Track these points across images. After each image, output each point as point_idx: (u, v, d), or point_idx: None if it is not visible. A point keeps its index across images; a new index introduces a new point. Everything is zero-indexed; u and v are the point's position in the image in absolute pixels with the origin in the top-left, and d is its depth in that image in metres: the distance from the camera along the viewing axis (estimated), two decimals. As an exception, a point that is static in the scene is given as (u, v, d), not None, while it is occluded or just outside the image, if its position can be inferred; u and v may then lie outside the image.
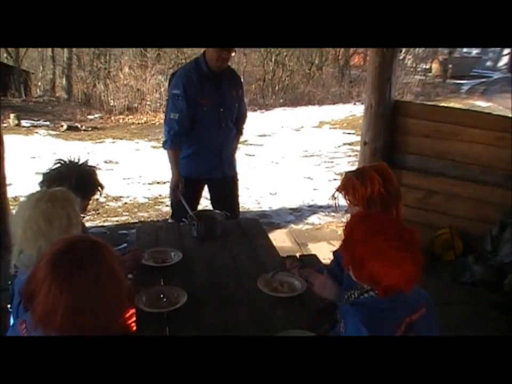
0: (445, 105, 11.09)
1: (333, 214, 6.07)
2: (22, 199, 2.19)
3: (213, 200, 4.25)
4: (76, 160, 2.75)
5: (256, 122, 11.50)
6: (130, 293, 2.23)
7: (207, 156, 3.97)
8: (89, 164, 2.79)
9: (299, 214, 6.33)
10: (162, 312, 2.43)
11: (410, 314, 1.93)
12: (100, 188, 2.74)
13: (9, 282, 2.35)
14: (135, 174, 7.86)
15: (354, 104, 15.76)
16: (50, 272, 1.53)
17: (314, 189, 7.31)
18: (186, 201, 3.58)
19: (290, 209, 6.48)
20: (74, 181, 2.55)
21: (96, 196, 2.79)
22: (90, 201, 2.88)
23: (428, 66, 22.56)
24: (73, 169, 2.67)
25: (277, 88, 17.85)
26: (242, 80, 4.45)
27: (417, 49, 20.79)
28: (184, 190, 3.84)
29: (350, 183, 2.41)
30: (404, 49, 21.31)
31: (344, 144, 10.51)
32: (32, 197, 2.13)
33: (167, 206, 6.16)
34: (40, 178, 2.64)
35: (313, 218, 6.15)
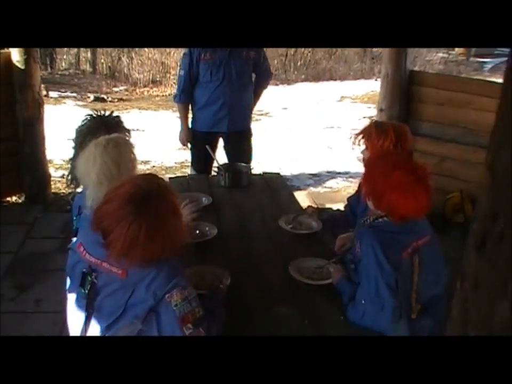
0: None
1: (350, 179, 6.37)
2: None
3: (225, 154, 4.58)
4: (102, 113, 3.06)
5: (278, 97, 11.73)
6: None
7: (213, 110, 4.30)
8: (114, 114, 3.10)
9: (318, 178, 6.64)
10: (197, 242, 2.78)
11: (417, 240, 2.27)
12: (128, 134, 3.05)
13: (71, 199, 2.70)
14: (161, 141, 8.18)
15: (376, 80, 15.76)
16: (128, 214, 1.83)
17: (333, 157, 7.56)
18: (199, 155, 4.10)
19: (310, 174, 6.78)
20: (104, 131, 2.85)
21: None
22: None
23: (451, 44, 22.42)
24: (101, 121, 2.97)
25: (299, 63, 17.96)
26: None
27: (440, 26, 20.67)
28: (195, 142, 4.36)
29: (368, 130, 2.74)
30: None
31: (365, 117, 10.68)
32: (99, 144, 2.40)
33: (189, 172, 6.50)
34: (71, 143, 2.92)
35: (332, 183, 6.45)
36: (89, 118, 2.95)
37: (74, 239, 2.55)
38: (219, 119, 4.31)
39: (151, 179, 1.99)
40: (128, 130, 3.00)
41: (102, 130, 2.83)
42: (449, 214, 5.22)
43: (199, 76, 4.25)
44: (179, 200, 2.04)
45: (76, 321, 2.06)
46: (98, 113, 2.96)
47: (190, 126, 4.49)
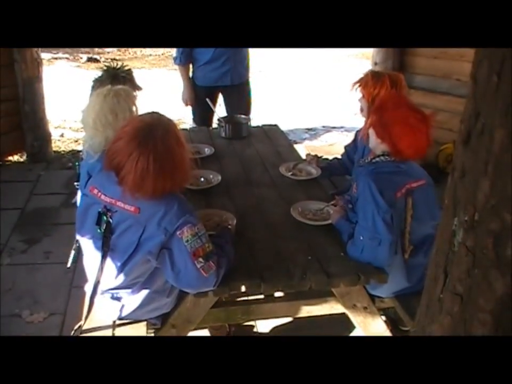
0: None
1: (345, 132, 6.48)
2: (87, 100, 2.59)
3: (226, 106, 4.67)
4: (117, 66, 3.17)
5: (271, 55, 11.71)
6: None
7: (217, 65, 4.36)
8: (125, 68, 3.21)
9: (314, 133, 6.74)
10: (202, 189, 2.91)
11: (410, 182, 2.41)
12: (138, 88, 3.15)
13: (77, 163, 2.83)
14: (156, 98, 8.21)
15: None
16: (136, 147, 1.97)
17: (328, 111, 7.63)
18: (200, 109, 4.22)
19: (306, 129, 6.87)
20: (123, 80, 2.97)
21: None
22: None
23: None
24: (118, 71, 3.09)
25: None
26: None
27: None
28: (196, 96, 4.42)
29: (365, 79, 2.86)
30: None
31: (360, 72, 10.70)
32: (100, 93, 2.53)
33: (189, 125, 6.57)
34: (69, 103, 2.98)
35: (327, 137, 6.56)
36: (107, 68, 3.07)
37: (78, 196, 2.68)
38: (223, 73, 4.38)
39: (155, 114, 2.12)
40: (138, 85, 3.11)
41: (121, 79, 2.96)
42: (442, 164, 5.34)
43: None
44: (182, 133, 2.15)
45: (92, 262, 2.20)
46: (111, 65, 3.07)
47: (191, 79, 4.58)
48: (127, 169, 1.99)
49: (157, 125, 2.03)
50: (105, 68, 3.14)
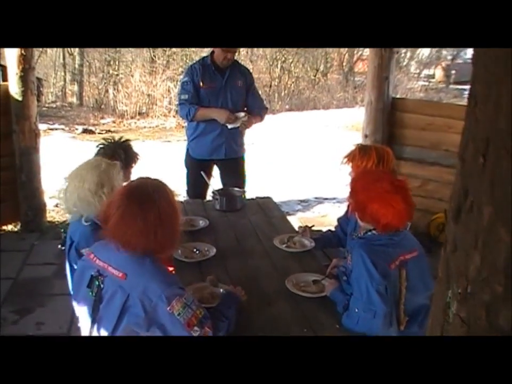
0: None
1: (338, 204, 6.55)
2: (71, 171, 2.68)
3: (221, 179, 4.76)
4: (117, 139, 3.27)
5: (263, 126, 11.92)
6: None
7: (211, 137, 4.48)
8: (126, 139, 3.31)
9: (306, 204, 6.81)
10: (196, 262, 2.94)
11: (403, 254, 2.44)
12: (136, 158, 3.24)
13: (62, 229, 2.89)
14: (149, 170, 8.31)
15: (359, 107, 16.18)
16: (125, 202, 2.04)
17: (320, 183, 7.74)
18: (195, 181, 4.33)
19: (299, 200, 6.95)
20: (123, 154, 3.06)
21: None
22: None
23: (431, 72, 22.92)
24: (119, 145, 3.19)
25: (283, 94, 18.33)
26: (251, 73, 4.94)
27: (420, 55, 21.19)
28: (191, 169, 4.56)
29: (352, 153, 2.95)
30: (408, 55, 21.74)
31: (349, 144, 10.92)
32: (85, 166, 2.64)
33: (183, 197, 6.64)
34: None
35: (319, 208, 6.63)
36: (108, 142, 3.17)
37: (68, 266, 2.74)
38: (216, 146, 4.50)
39: (145, 177, 2.19)
40: (137, 154, 3.20)
41: (121, 153, 3.08)
42: (434, 233, 5.41)
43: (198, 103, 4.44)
44: (173, 193, 2.19)
45: (84, 327, 2.20)
46: (110, 140, 3.16)
47: (186, 151, 4.72)
48: (113, 221, 2.03)
49: (147, 183, 2.10)
50: (107, 140, 3.23)
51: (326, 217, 6.22)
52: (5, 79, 5.65)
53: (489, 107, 0.98)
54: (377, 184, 2.42)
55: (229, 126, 4.29)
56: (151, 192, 2.06)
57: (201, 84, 4.41)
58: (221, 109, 4.40)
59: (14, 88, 5.08)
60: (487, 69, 1.03)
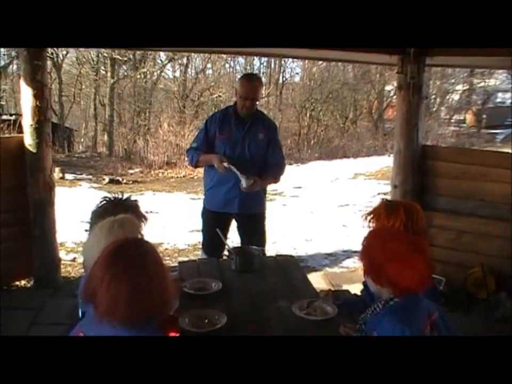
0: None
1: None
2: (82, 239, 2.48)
3: (238, 235, 4.55)
4: (120, 196, 2.98)
5: (292, 175, 11.77)
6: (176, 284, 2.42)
7: (224, 189, 4.26)
8: (131, 198, 3.02)
9: (334, 258, 6.49)
10: (204, 332, 2.64)
11: (430, 315, 2.19)
12: (144, 220, 2.96)
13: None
14: (174, 222, 8.14)
15: (389, 156, 15.92)
16: (108, 270, 1.80)
17: (349, 235, 7.44)
18: (210, 235, 4.05)
19: (326, 254, 6.64)
20: (127, 210, 2.78)
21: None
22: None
23: (462, 118, 22.70)
24: (119, 204, 2.90)
25: (312, 142, 18.26)
26: (276, 126, 4.72)
27: (451, 100, 20.99)
28: (207, 222, 4.37)
29: (377, 210, 2.65)
30: (437, 101, 21.54)
31: (379, 193, 10.65)
32: (104, 226, 2.37)
33: (199, 255, 6.41)
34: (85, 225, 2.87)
35: (348, 262, 6.30)
36: (107, 200, 2.89)
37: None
38: (229, 199, 4.25)
39: (130, 237, 2.05)
40: (145, 216, 2.91)
41: (117, 213, 2.77)
42: (471, 289, 5.05)
43: (212, 152, 4.25)
44: (160, 255, 1.98)
45: None
46: (115, 196, 2.91)
47: (202, 202, 4.55)
48: (101, 295, 1.80)
49: (129, 244, 1.92)
50: (109, 198, 2.96)
51: (355, 272, 5.88)
52: (20, 130, 5.55)
53: None
54: (394, 243, 2.18)
55: (243, 185, 4.01)
56: (134, 254, 1.86)
57: (217, 133, 4.22)
58: (217, 155, 4.20)
59: (29, 140, 4.95)
60: None
